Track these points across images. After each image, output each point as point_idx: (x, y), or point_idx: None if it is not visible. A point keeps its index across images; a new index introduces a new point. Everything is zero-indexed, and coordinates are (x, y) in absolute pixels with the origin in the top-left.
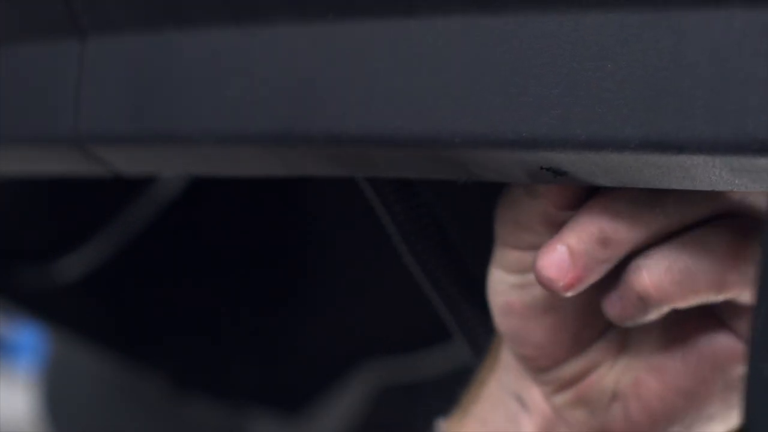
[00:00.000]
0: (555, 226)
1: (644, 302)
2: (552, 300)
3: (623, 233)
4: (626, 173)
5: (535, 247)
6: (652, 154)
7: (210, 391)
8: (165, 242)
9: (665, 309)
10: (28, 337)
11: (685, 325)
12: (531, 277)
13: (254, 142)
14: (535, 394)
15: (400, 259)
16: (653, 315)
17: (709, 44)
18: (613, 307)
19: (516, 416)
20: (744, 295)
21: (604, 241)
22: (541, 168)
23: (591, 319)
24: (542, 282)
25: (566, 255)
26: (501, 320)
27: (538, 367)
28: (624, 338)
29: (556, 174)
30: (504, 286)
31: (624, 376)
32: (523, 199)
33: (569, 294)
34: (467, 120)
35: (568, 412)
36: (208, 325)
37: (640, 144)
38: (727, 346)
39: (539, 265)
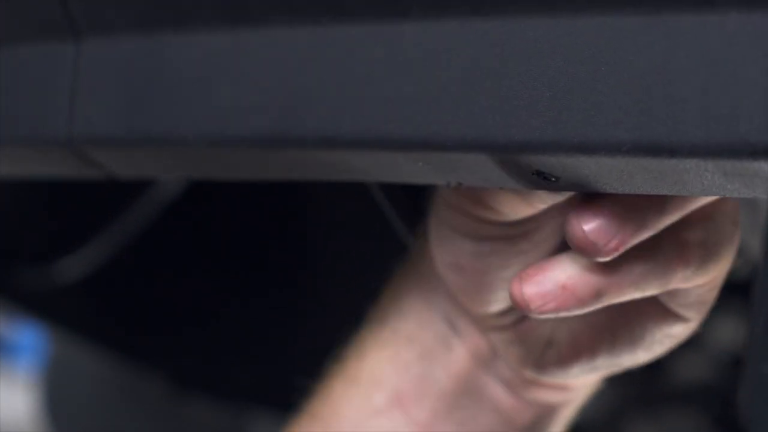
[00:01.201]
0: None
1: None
2: (505, 261)
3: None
4: (618, 178)
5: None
6: (644, 157)
7: (210, 391)
8: (165, 243)
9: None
10: (28, 337)
11: None
12: (487, 246)
13: (248, 145)
14: (468, 324)
15: (401, 258)
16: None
17: (701, 48)
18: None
19: (447, 339)
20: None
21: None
22: (533, 173)
23: None
24: (582, 247)
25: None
26: (446, 273)
27: (476, 312)
28: None
29: (548, 179)
30: (456, 248)
31: (560, 326)
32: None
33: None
34: (459, 124)
35: (502, 347)
36: (208, 326)
37: (632, 147)
38: (654, 309)
39: (581, 230)
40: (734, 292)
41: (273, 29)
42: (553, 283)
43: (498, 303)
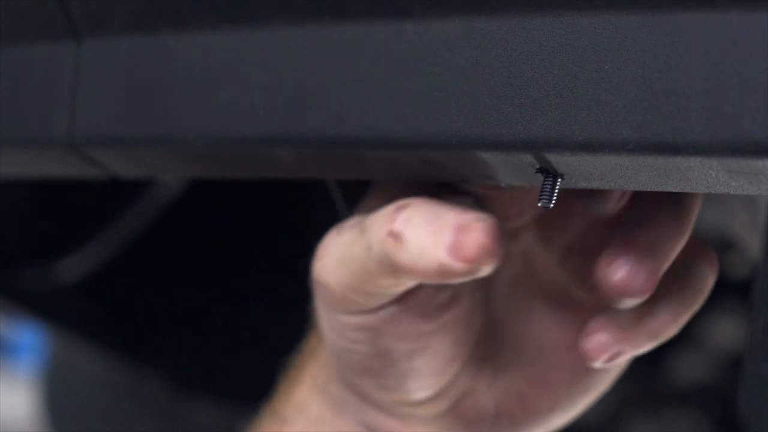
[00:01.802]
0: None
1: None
2: (413, 346)
3: None
4: (623, 176)
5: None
6: (648, 156)
7: (210, 391)
8: (165, 243)
9: None
10: (28, 337)
11: (560, 334)
12: (380, 316)
13: (249, 144)
14: (393, 425)
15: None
16: None
17: (705, 46)
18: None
19: None
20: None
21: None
22: (537, 170)
23: (454, 352)
24: (619, 294)
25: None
26: (342, 369)
27: (398, 408)
28: (495, 360)
29: (553, 176)
30: (346, 330)
31: (505, 394)
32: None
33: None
34: (463, 122)
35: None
36: (208, 326)
37: (636, 146)
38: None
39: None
40: (734, 292)
41: (274, 28)
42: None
43: (420, 390)
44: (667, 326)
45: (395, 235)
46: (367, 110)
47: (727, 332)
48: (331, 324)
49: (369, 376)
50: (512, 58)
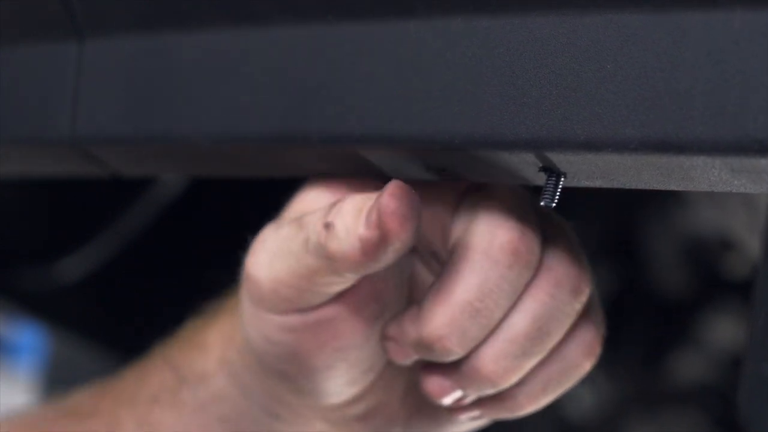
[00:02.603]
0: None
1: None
2: (332, 355)
3: None
4: (626, 174)
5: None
6: (651, 155)
7: None
8: (165, 243)
9: None
10: (28, 337)
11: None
12: (305, 319)
13: (252, 142)
14: (296, 419)
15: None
16: None
17: (708, 45)
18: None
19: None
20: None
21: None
22: (540, 169)
23: (371, 363)
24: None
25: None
26: (258, 365)
27: (313, 407)
28: (410, 373)
29: (556, 175)
30: (269, 329)
31: (418, 406)
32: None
33: None
34: (466, 121)
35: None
36: None
37: (639, 145)
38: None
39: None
40: (734, 292)
41: (277, 27)
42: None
43: (333, 397)
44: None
45: (327, 225)
46: (370, 109)
47: (727, 332)
48: (255, 321)
49: (283, 378)
50: (515, 57)
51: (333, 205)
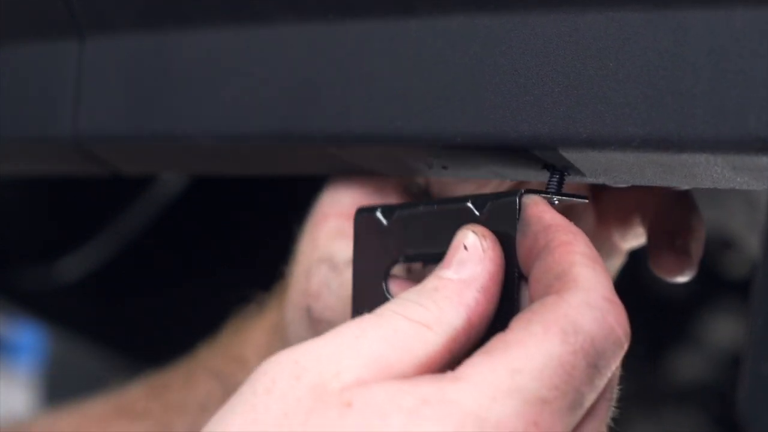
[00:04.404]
0: None
1: None
2: None
3: None
4: (628, 171)
5: None
6: (654, 152)
7: None
8: (165, 243)
9: None
10: (28, 337)
11: None
12: None
13: (252, 141)
14: None
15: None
16: None
17: (710, 43)
18: None
19: None
20: None
21: None
22: (543, 166)
23: None
24: None
25: None
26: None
27: None
28: None
29: (559, 172)
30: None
31: None
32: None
33: None
34: (468, 119)
35: None
36: (208, 326)
37: (642, 142)
38: None
39: None
40: (734, 291)
41: (278, 26)
42: None
43: None
44: None
45: None
46: (371, 108)
47: (727, 332)
48: None
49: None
50: (517, 56)
51: None
